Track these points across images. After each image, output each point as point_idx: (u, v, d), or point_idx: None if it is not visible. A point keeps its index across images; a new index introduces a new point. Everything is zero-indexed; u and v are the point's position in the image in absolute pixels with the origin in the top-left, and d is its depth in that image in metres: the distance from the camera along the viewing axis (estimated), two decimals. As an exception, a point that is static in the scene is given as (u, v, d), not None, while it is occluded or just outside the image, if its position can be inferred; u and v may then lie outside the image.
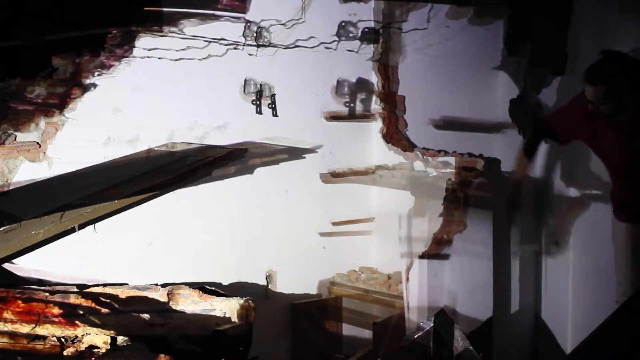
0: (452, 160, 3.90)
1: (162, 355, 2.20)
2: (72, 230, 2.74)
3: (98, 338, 2.32)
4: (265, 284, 3.89)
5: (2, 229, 2.72)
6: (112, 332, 2.33)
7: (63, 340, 2.32)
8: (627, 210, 3.14)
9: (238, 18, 3.63)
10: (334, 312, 4.14)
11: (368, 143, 4.31)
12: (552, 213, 3.84)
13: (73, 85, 3.15)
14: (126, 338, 2.32)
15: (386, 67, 4.21)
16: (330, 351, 4.04)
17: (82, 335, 2.33)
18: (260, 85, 3.75)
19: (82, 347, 2.30)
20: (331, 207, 4.19)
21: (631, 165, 2.99)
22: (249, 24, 3.67)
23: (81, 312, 2.36)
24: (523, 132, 3.82)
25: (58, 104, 3.12)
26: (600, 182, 3.44)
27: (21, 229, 2.68)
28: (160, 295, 2.47)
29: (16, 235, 2.64)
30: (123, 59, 3.28)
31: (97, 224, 2.92)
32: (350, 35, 4.09)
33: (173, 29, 3.40)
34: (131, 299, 2.45)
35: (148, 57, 3.33)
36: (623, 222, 3.17)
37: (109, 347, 2.30)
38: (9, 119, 3.00)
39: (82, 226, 2.77)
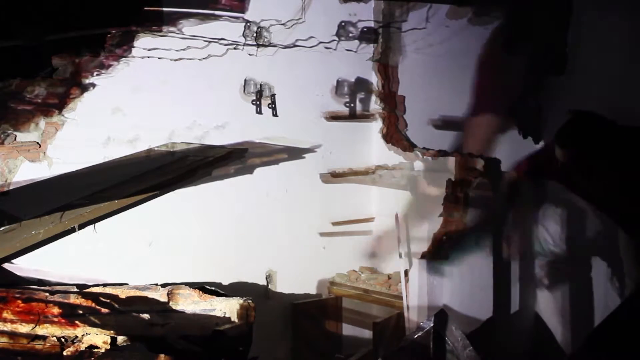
0: (452, 160, 3.89)
1: (162, 355, 2.20)
2: (72, 230, 2.74)
3: (98, 338, 2.32)
4: (265, 284, 3.89)
5: (2, 229, 2.72)
6: (112, 332, 2.33)
7: (63, 340, 2.32)
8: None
9: (237, 18, 3.63)
10: (334, 312, 4.14)
11: (368, 143, 4.31)
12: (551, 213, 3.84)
13: (72, 85, 3.15)
14: (126, 338, 2.32)
15: (386, 67, 4.21)
16: (330, 351, 4.04)
17: (82, 335, 2.33)
18: (260, 85, 3.75)
19: (82, 347, 2.30)
20: (331, 207, 4.19)
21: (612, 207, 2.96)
22: (248, 24, 3.67)
23: (81, 312, 2.36)
24: (523, 132, 3.81)
25: (58, 104, 3.12)
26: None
27: (21, 229, 2.68)
28: (160, 295, 2.48)
29: (16, 235, 2.64)
30: (122, 59, 3.28)
31: (97, 224, 2.92)
32: (350, 35, 4.09)
33: (172, 28, 3.40)
34: (131, 299, 2.45)
35: (148, 57, 3.33)
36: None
37: (109, 347, 2.30)
38: (8, 119, 3.00)
39: (82, 226, 2.77)
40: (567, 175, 2.89)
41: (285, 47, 3.82)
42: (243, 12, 3.65)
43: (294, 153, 3.90)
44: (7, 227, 2.72)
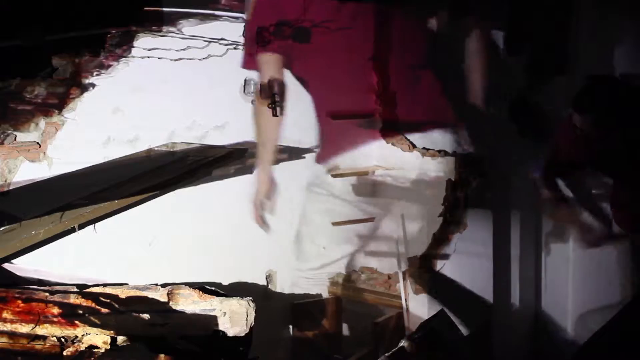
0: (452, 160, 3.89)
1: (162, 355, 2.21)
2: (72, 230, 2.74)
3: (98, 338, 2.33)
4: (265, 284, 3.89)
5: (2, 229, 2.72)
6: (112, 332, 2.33)
7: (63, 340, 2.33)
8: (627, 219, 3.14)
9: (237, 18, 3.63)
10: (334, 312, 4.14)
11: (368, 143, 4.30)
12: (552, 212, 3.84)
13: (72, 85, 3.15)
14: (126, 338, 2.32)
15: (386, 66, 4.20)
16: (330, 351, 4.04)
17: (82, 335, 2.33)
18: (261, 85, 3.75)
19: (82, 347, 2.31)
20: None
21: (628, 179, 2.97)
22: (248, 23, 3.67)
23: (81, 312, 2.36)
24: (523, 132, 3.81)
25: (58, 103, 3.12)
26: (601, 181, 3.44)
27: (21, 229, 2.68)
28: (160, 295, 2.48)
29: (16, 235, 2.64)
30: (122, 59, 3.28)
31: (97, 224, 2.92)
32: (350, 35, 4.08)
33: (172, 28, 3.40)
34: (131, 299, 2.45)
35: (148, 57, 3.33)
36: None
37: (109, 347, 2.31)
38: (9, 119, 3.00)
39: (82, 226, 2.77)
40: (587, 148, 2.88)
41: (285, 47, 3.82)
42: (243, 12, 3.65)
43: (294, 153, 3.89)
44: (7, 227, 2.72)
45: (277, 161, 3.84)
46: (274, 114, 3.80)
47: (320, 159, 3.88)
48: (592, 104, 2.67)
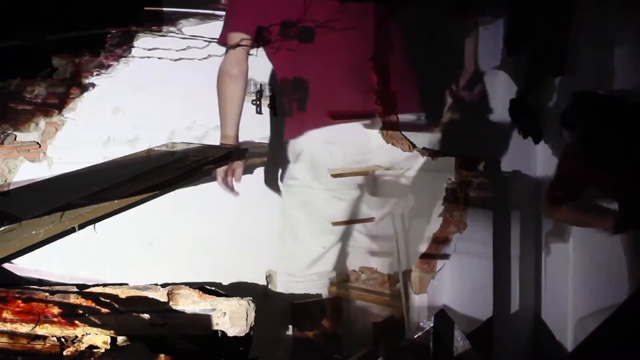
0: (452, 160, 3.89)
1: (162, 355, 2.20)
2: (72, 230, 2.74)
3: (98, 338, 2.32)
4: (265, 284, 3.89)
5: (2, 229, 2.72)
6: (112, 332, 2.33)
7: (63, 340, 2.32)
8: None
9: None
10: (334, 312, 4.14)
11: (368, 143, 4.30)
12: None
13: (72, 85, 3.15)
14: (126, 338, 2.32)
15: (386, 66, 4.20)
16: (330, 351, 4.04)
17: (82, 335, 2.33)
18: (260, 85, 3.75)
19: (82, 347, 2.30)
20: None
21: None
22: (248, 23, 3.66)
23: (81, 312, 2.36)
24: (523, 132, 3.81)
25: (58, 103, 3.12)
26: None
27: (21, 229, 2.67)
28: (160, 295, 2.47)
29: (16, 235, 2.64)
30: (122, 59, 3.28)
31: (97, 224, 2.92)
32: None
33: (172, 28, 3.40)
34: (131, 299, 2.44)
35: (148, 57, 3.33)
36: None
37: (109, 347, 2.31)
38: (9, 119, 3.00)
39: (82, 226, 2.77)
40: (577, 162, 2.93)
41: (285, 47, 3.81)
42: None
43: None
44: (7, 227, 2.71)
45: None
46: (274, 114, 3.81)
47: (289, 136, 3.82)
48: (580, 117, 2.72)
